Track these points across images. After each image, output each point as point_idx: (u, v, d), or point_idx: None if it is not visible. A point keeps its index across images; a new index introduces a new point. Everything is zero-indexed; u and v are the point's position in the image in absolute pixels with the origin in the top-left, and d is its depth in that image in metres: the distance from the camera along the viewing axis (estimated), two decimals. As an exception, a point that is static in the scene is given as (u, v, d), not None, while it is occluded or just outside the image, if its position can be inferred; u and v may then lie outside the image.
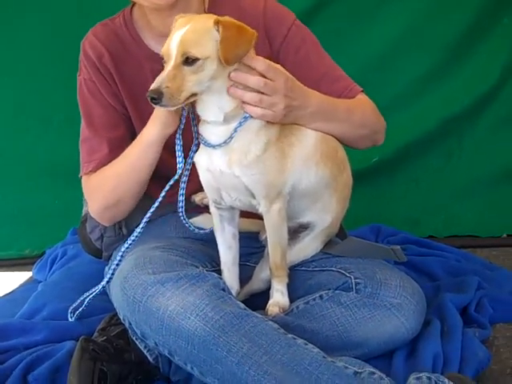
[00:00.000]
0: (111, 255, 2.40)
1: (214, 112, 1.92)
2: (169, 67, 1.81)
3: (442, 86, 3.45)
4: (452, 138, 3.49)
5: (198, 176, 2.05)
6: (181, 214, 2.09)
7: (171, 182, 2.06)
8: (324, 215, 2.13)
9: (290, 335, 1.85)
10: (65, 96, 3.12)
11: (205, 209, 2.20)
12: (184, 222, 2.12)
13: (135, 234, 2.11)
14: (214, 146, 1.94)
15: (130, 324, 1.97)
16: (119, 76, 2.28)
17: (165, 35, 1.91)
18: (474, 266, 2.78)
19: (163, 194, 2.07)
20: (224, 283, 2.00)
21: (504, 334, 2.28)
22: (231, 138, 1.92)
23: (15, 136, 3.55)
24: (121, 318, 2.02)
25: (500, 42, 3.40)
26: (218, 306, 1.85)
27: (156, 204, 2.08)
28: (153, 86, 1.79)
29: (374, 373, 1.78)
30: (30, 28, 3.43)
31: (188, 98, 1.85)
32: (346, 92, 2.25)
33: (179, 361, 1.89)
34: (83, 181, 2.31)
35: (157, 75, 1.84)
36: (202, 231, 2.17)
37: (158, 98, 1.79)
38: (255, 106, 1.91)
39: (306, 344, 1.83)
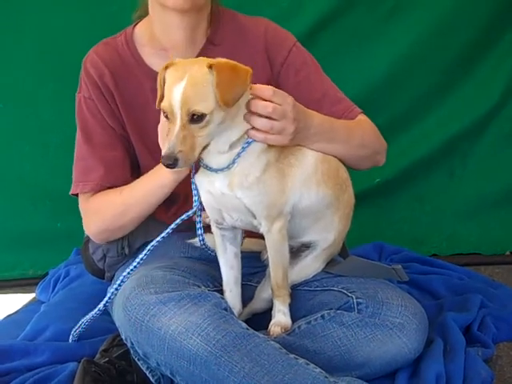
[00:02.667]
0: (114, 276, 2.41)
1: (219, 144, 1.89)
2: (176, 128, 1.75)
3: (444, 104, 3.46)
4: (455, 157, 3.49)
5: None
6: (201, 241, 2.11)
7: (184, 217, 2.04)
8: (326, 234, 2.13)
9: (291, 355, 1.85)
10: (61, 120, 3.18)
11: (208, 228, 2.20)
12: (205, 248, 2.15)
13: (137, 260, 2.07)
14: (216, 171, 1.93)
15: (132, 344, 1.97)
16: (120, 95, 2.29)
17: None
18: (476, 283, 2.77)
19: (173, 226, 2.05)
20: (226, 303, 2.00)
21: (507, 353, 2.27)
22: (234, 163, 1.91)
23: (15, 160, 3.56)
24: (123, 337, 2.02)
25: (502, 59, 3.40)
26: (220, 325, 1.85)
27: (163, 234, 2.06)
28: (166, 152, 1.75)
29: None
30: (26, 53, 3.43)
31: (201, 153, 1.84)
32: (347, 113, 2.26)
33: (181, 381, 1.89)
34: (80, 200, 2.32)
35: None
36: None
37: (173, 163, 1.75)
38: (265, 132, 1.90)
39: (308, 364, 1.83)
